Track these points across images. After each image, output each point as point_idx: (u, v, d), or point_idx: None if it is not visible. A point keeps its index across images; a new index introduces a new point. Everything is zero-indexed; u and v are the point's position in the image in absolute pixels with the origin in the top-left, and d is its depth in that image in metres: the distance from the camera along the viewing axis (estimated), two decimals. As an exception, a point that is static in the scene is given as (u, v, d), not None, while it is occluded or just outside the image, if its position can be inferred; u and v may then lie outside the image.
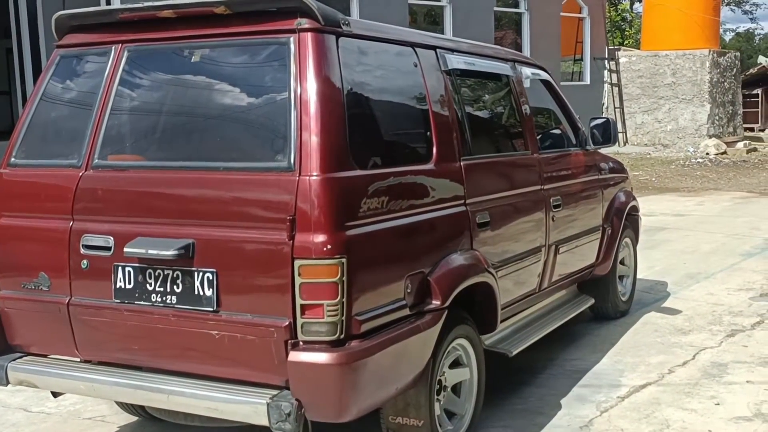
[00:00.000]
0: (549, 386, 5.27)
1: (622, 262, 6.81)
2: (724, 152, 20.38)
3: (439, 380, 4.14)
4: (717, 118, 21.93)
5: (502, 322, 4.86)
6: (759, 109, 30.05)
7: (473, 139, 4.57)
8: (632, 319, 6.73)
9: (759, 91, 30.22)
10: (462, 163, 4.34)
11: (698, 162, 19.39)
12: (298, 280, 3.38)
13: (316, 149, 3.42)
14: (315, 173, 3.40)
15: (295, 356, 3.39)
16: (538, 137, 5.67)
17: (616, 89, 22.68)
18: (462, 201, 4.31)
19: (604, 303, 6.55)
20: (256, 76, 3.74)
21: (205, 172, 3.65)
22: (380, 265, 3.63)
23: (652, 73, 22.33)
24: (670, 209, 12.75)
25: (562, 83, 19.72)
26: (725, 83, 22.36)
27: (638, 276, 7.27)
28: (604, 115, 6.11)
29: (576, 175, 5.92)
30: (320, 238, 3.36)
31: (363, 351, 3.45)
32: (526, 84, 5.48)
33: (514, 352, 4.84)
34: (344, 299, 3.39)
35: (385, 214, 3.66)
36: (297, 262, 3.38)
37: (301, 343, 3.42)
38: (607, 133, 6.10)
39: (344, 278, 3.38)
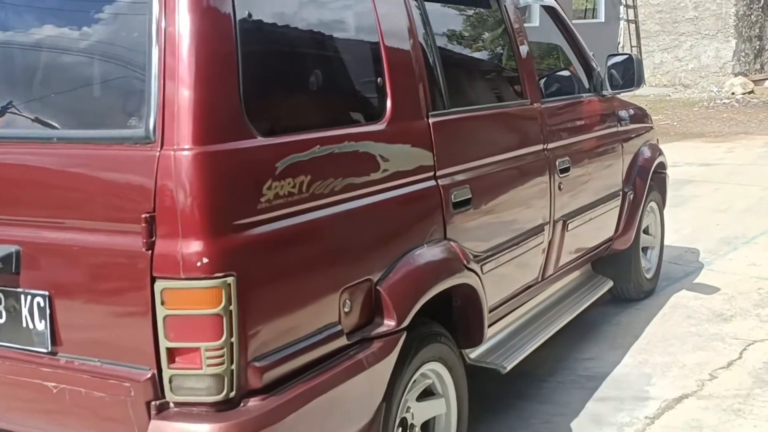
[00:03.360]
0: (556, 401, 4.12)
1: (646, 231, 5.62)
2: (752, 91, 18.89)
3: (403, 419, 3.01)
4: (743, 54, 20.41)
5: (491, 326, 3.72)
6: (786, 44, 28.32)
7: (449, 88, 3.35)
8: (659, 300, 5.54)
9: (786, 24, 28.44)
10: (431, 121, 3.14)
11: (724, 103, 17.94)
12: (161, 311, 2.21)
13: (189, 108, 2.23)
14: (186, 146, 2.21)
15: (158, 427, 2.24)
16: (541, 81, 4.47)
17: (632, 26, 21.18)
18: (431, 173, 3.11)
19: (624, 283, 5.36)
20: (103, 3, 2.52)
21: (33, 144, 2.47)
22: (296, 280, 2.44)
23: (672, 7, 20.80)
24: (695, 158, 11.43)
25: (573, 22, 18.28)
26: (752, 16, 20.77)
27: (664, 243, 6.04)
28: (625, 52, 4.81)
29: (589, 128, 4.71)
30: (193, 246, 2.19)
31: (267, 415, 2.29)
32: (524, 13, 4.24)
33: (509, 367, 3.68)
34: (234, 339, 2.22)
35: (304, 202, 2.48)
36: (158, 284, 2.21)
37: (170, 405, 2.27)
38: (629, 74, 4.85)
39: (232, 307, 2.21)
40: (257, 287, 2.28)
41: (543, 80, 4.66)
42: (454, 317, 3.36)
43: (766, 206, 8.22)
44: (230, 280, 2.19)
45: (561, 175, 4.15)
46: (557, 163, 4.12)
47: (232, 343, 2.21)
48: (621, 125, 5.11)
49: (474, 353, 3.59)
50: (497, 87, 4.11)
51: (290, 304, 2.41)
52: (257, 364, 2.28)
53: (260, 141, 2.36)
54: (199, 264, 2.17)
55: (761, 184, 9.24)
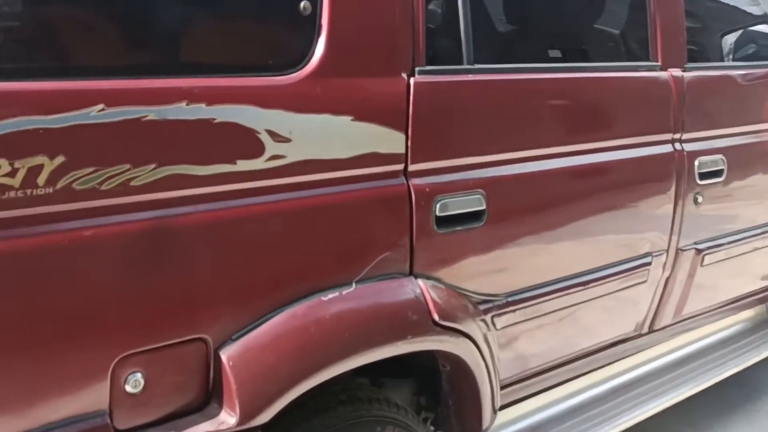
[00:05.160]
0: None
1: None
2: None
3: None
4: None
5: (534, 396, 2.49)
6: None
7: (478, 30, 2.10)
8: None
9: None
10: (414, 81, 1.91)
11: None
12: None
13: None
14: None
15: None
16: (725, 40, 3.07)
17: None
18: (396, 167, 1.90)
19: (820, 337, 3.79)
20: None
21: None
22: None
23: None
24: None
25: None
26: None
27: None
28: None
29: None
30: None
31: None
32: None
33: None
34: None
35: (37, 204, 1.40)
36: None
37: None
38: None
39: None
40: None
41: (726, 37, 3.21)
42: (444, 387, 2.18)
43: None
44: None
45: (701, 182, 2.73)
46: (697, 163, 2.71)
47: None
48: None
49: (495, 436, 2.38)
50: (592, 38, 2.71)
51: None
52: None
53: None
54: None
55: None
